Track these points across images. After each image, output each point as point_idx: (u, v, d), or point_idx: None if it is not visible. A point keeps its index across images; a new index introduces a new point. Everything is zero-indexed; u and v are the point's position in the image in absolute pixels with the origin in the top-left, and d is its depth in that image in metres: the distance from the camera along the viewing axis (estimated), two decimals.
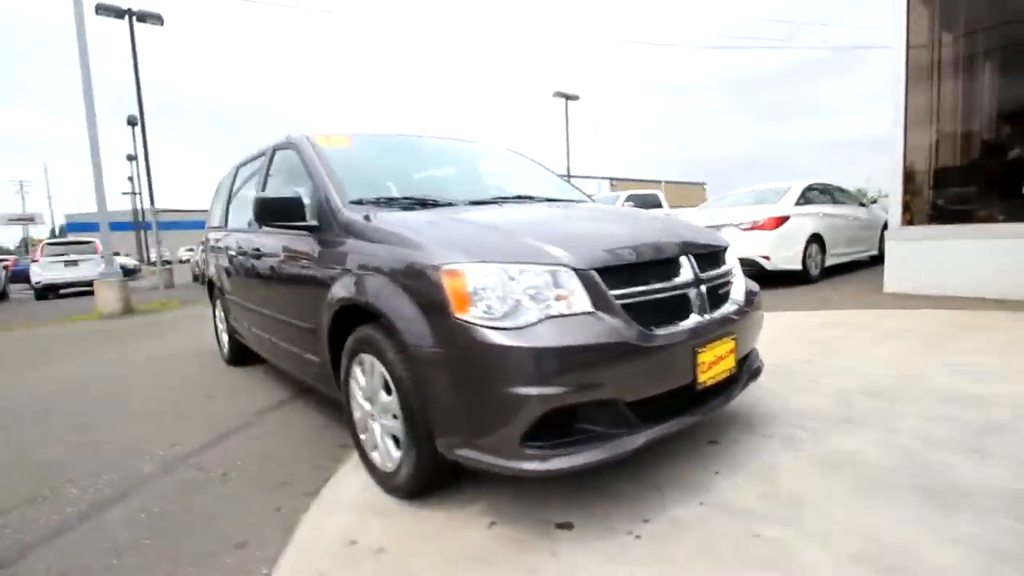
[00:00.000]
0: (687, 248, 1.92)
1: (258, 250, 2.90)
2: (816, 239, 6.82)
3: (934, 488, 1.71)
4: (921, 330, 3.78)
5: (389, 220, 1.99)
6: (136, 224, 32.89)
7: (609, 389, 1.54)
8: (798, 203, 6.86)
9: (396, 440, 1.85)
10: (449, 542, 1.62)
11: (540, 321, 1.51)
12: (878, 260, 7.35)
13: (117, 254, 13.11)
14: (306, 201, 2.33)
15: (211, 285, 4.37)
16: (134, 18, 12.88)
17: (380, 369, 1.83)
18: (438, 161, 3.06)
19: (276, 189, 3.00)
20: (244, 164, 3.75)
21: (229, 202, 3.83)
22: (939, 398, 2.47)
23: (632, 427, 1.60)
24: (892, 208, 5.43)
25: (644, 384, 1.62)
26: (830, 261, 7.13)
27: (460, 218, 2.07)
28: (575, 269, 1.59)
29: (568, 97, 26.39)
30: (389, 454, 1.88)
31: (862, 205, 8.45)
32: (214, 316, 4.45)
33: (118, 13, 12.66)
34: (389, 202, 2.28)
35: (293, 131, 3.41)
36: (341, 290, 1.99)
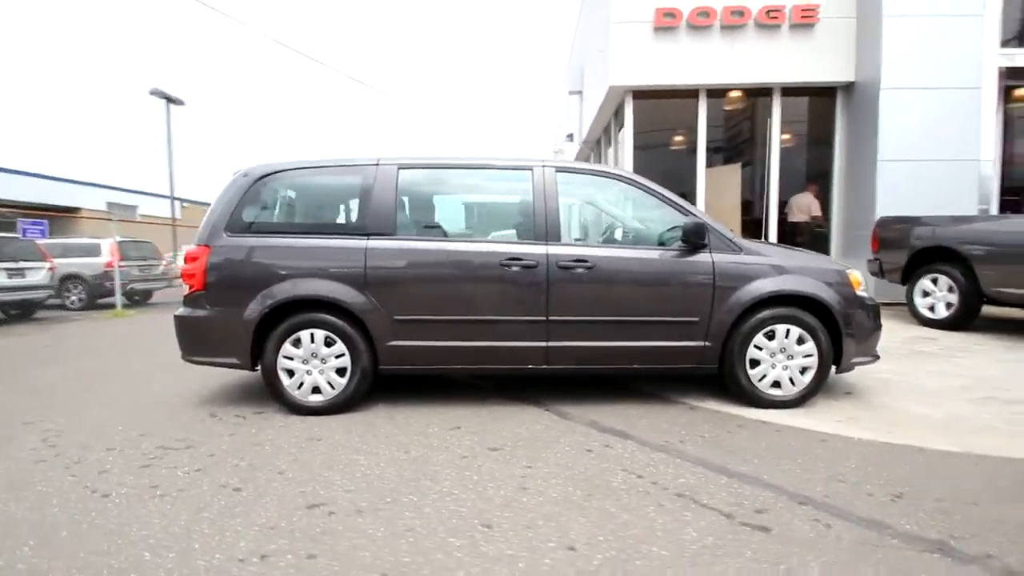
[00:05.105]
0: None
1: (583, 259, 3.17)
2: None
3: None
4: None
5: (782, 245, 3.37)
6: None
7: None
8: None
9: (801, 371, 3.25)
10: (852, 420, 3.27)
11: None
12: None
13: None
14: (656, 225, 3.30)
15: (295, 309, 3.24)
16: None
17: (797, 331, 3.21)
18: None
19: (563, 207, 3.34)
20: (412, 168, 3.38)
21: (397, 209, 3.27)
22: None
23: None
24: None
25: None
26: None
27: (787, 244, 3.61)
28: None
29: (171, 100, 21.25)
30: (794, 382, 3.25)
31: None
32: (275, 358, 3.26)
33: None
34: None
35: None
36: (767, 286, 3.17)
